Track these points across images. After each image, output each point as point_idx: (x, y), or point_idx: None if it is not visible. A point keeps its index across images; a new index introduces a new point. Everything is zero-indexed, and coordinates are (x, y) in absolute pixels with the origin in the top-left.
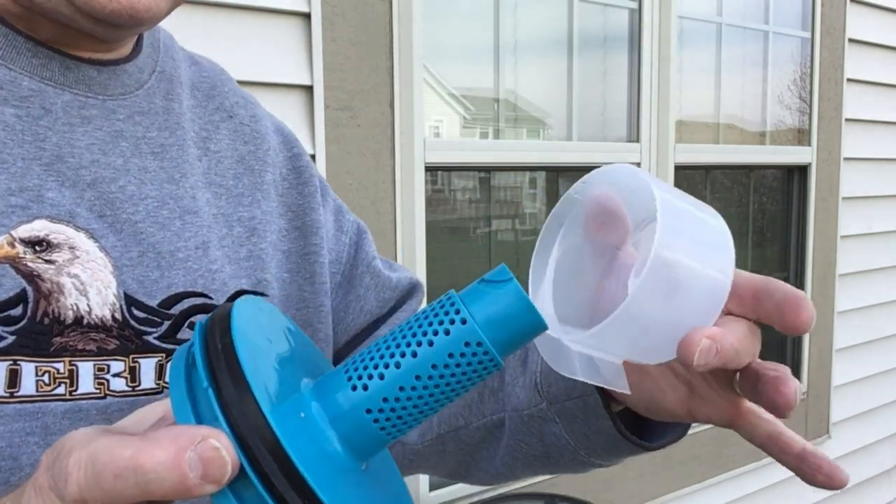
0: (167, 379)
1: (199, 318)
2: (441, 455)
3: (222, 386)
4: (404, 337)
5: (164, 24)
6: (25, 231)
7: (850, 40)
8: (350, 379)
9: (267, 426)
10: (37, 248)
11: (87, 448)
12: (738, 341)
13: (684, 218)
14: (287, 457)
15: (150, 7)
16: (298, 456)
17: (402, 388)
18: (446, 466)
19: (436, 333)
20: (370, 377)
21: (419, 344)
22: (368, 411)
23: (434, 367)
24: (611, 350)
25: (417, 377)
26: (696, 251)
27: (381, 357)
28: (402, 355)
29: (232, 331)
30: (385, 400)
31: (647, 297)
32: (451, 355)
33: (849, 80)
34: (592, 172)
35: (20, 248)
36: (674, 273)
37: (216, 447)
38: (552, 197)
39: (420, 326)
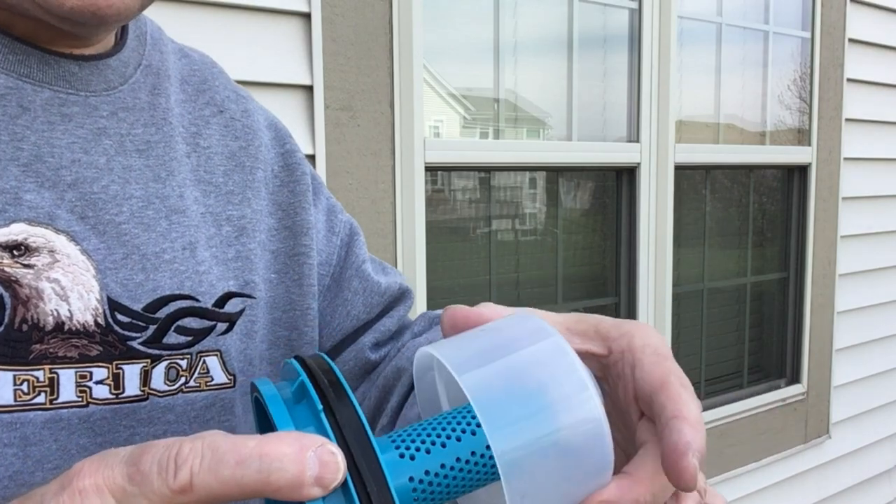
0: (154, 385)
1: (187, 322)
2: None
3: (336, 411)
4: (449, 423)
5: (160, 22)
6: (2, 235)
7: (850, 40)
8: (398, 448)
9: (373, 452)
10: (14, 252)
11: (205, 439)
12: (648, 491)
13: (507, 400)
14: (386, 484)
15: (112, 3)
16: (394, 487)
17: (442, 466)
18: None
19: (479, 425)
20: (417, 449)
21: (463, 431)
22: (411, 479)
23: (472, 453)
24: None
25: (458, 459)
26: (537, 425)
27: (429, 435)
28: (448, 437)
29: (335, 371)
30: (427, 473)
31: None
32: (488, 447)
33: (849, 80)
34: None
35: None
36: (531, 468)
37: (333, 453)
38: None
39: (464, 418)
